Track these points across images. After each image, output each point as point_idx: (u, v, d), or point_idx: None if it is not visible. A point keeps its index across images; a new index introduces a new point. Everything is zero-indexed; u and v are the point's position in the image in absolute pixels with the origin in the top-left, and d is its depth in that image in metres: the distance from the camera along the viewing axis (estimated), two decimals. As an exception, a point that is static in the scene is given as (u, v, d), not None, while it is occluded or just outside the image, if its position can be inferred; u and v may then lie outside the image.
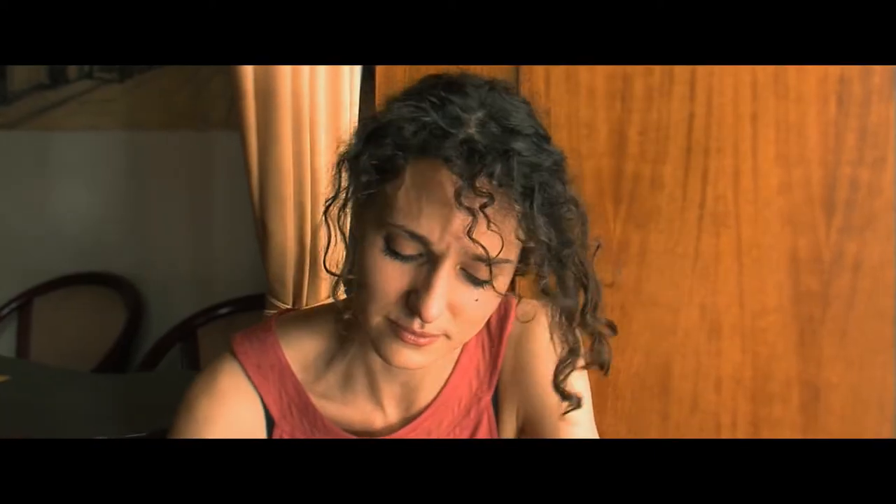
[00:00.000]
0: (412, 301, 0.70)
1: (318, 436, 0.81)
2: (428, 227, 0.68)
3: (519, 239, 0.71)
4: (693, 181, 1.27)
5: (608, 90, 1.29)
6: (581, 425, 0.85)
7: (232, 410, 0.80)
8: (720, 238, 1.27)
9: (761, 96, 1.24)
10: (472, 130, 0.68)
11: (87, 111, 2.44)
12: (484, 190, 0.66)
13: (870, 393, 1.25)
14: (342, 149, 0.75)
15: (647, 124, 1.28)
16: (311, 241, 1.34)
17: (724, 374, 1.28)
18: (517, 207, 0.68)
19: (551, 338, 0.77)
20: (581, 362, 0.77)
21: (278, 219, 1.32)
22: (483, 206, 0.66)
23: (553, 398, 0.81)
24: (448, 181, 0.67)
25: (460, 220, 0.67)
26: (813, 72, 1.23)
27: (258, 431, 0.82)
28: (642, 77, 1.27)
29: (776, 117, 1.24)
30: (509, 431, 0.86)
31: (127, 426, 1.57)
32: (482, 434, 0.85)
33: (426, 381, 0.84)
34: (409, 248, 0.70)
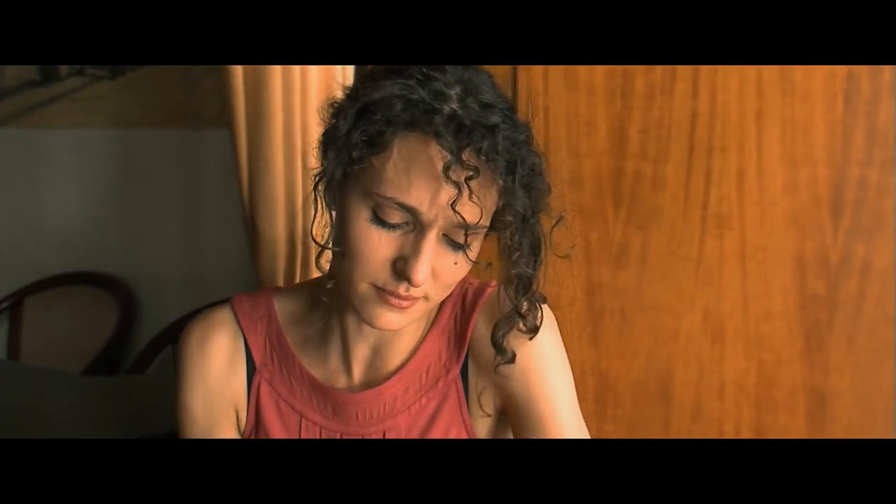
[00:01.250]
0: (399, 266, 0.75)
1: (293, 381, 0.88)
2: (417, 198, 0.72)
3: (498, 207, 0.76)
4: (696, 181, 1.24)
5: (608, 87, 1.26)
6: (566, 416, 0.84)
7: (220, 340, 0.88)
8: (724, 240, 1.24)
9: (767, 93, 1.22)
10: (455, 106, 0.72)
11: (78, 109, 2.39)
12: (470, 163, 0.70)
13: (878, 401, 1.22)
14: (327, 126, 0.78)
15: (649, 122, 1.25)
16: (303, 241, 1.32)
17: (727, 380, 1.26)
18: (500, 181, 0.73)
19: (498, 297, 0.82)
20: (521, 324, 0.82)
21: (269, 219, 1.30)
22: (468, 179, 0.70)
23: (533, 380, 0.84)
24: (436, 155, 0.71)
25: (447, 191, 0.71)
26: (820, 69, 1.20)
27: (239, 369, 0.88)
28: (643, 73, 1.25)
29: (782, 115, 1.21)
30: (483, 410, 0.87)
31: (116, 430, 1.54)
32: (449, 407, 0.86)
33: (396, 347, 0.87)
34: (396, 217, 0.74)
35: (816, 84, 1.20)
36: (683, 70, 1.23)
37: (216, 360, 0.88)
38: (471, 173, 0.70)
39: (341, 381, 0.87)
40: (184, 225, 2.32)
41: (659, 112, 1.24)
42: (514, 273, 0.78)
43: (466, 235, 0.74)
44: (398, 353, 0.87)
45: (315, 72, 1.29)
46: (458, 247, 0.76)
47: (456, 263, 0.76)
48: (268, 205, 1.29)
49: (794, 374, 1.24)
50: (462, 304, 0.88)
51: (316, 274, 1.33)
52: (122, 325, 2.29)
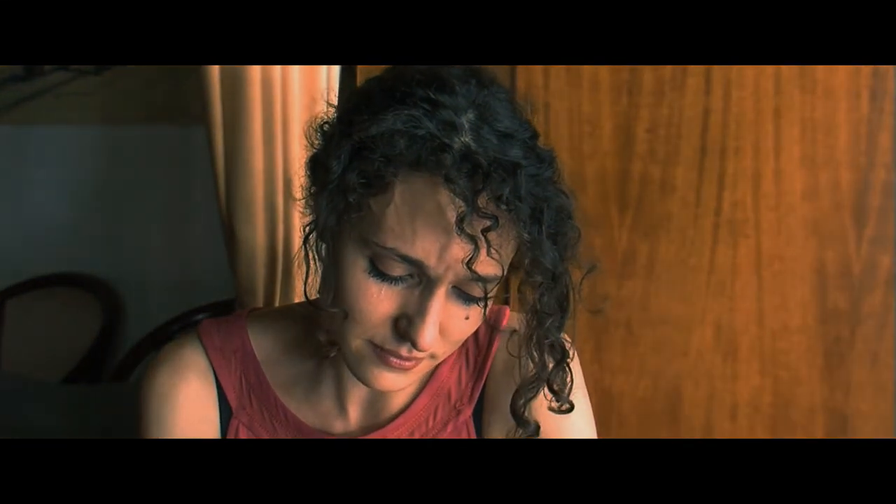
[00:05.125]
0: (402, 326, 0.67)
1: (277, 426, 0.80)
2: (423, 250, 0.64)
3: (515, 259, 0.69)
4: (708, 185, 1.20)
5: (613, 82, 1.21)
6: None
7: (188, 386, 0.80)
8: (738, 249, 1.21)
9: (785, 90, 1.17)
10: (468, 139, 0.64)
11: (62, 104, 2.39)
12: (487, 211, 0.62)
13: (903, 422, 1.19)
14: (315, 155, 0.71)
15: (657, 121, 1.21)
16: (284, 248, 1.25)
17: (740, 400, 1.22)
18: (525, 235, 0.65)
19: (518, 357, 0.74)
20: (545, 391, 0.74)
21: (247, 224, 1.23)
22: (486, 231, 0.62)
23: (552, 421, 0.77)
24: (447, 202, 0.63)
25: (459, 245, 0.64)
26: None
27: (211, 414, 0.80)
28: (652, 68, 1.20)
29: (802, 114, 1.17)
30: None
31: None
32: None
33: None
34: (399, 270, 0.66)
35: (839, 80, 1.16)
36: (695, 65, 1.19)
37: (184, 411, 0.79)
38: (489, 224, 0.62)
39: (336, 426, 0.80)
40: (170, 224, 2.32)
41: (668, 110, 1.20)
42: (538, 334, 0.70)
43: (486, 292, 0.67)
44: (402, 391, 0.80)
45: (297, 68, 1.22)
46: (470, 300, 0.68)
47: (467, 318, 0.69)
48: (246, 208, 1.22)
49: (812, 393, 1.20)
50: (475, 336, 0.81)
51: (298, 284, 1.26)
52: (106, 328, 2.28)
